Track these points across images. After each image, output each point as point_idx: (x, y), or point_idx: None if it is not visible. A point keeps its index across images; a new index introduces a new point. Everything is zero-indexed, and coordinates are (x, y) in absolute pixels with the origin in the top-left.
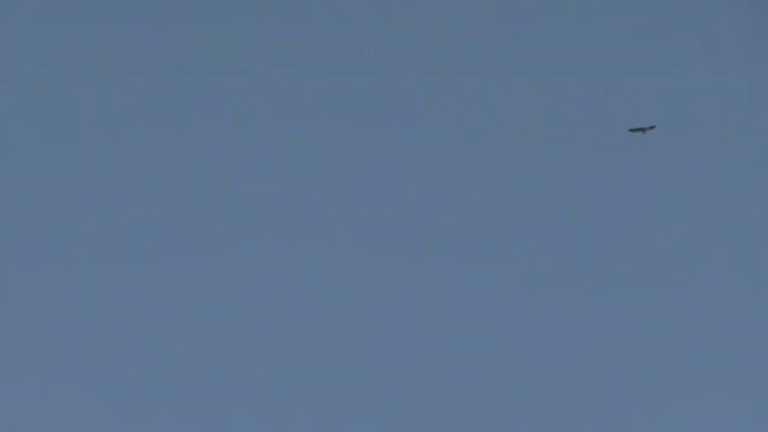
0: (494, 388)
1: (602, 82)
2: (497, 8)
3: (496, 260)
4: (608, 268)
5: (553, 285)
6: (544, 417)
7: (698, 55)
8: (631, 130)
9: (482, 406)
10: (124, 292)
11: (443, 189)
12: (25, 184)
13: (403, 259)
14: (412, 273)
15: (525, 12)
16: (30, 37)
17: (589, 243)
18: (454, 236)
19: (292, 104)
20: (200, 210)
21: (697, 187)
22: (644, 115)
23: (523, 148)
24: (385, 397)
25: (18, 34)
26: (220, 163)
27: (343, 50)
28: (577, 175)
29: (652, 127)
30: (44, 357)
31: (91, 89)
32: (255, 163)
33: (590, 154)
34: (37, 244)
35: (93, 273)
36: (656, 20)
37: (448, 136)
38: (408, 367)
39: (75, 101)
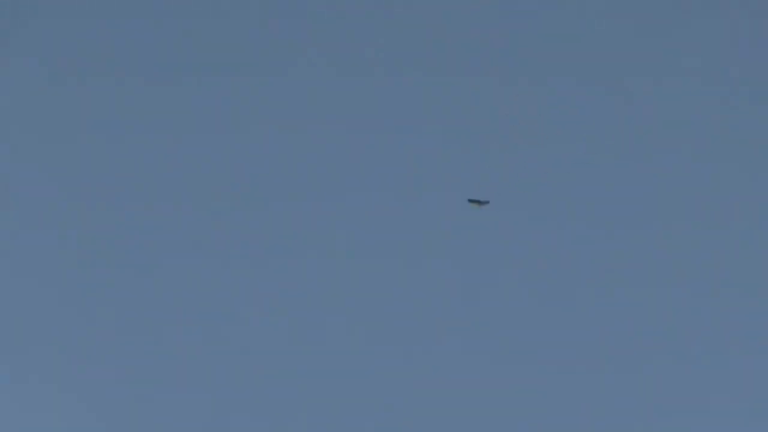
0: (494, 388)
1: (602, 82)
2: (497, 8)
3: (496, 260)
4: (608, 268)
5: (553, 285)
6: (544, 417)
7: (698, 55)
8: (470, 201)
9: (482, 405)
10: (125, 293)
11: (443, 189)
12: (26, 184)
13: (403, 259)
14: (412, 273)
15: (525, 12)
16: (30, 37)
17: (589, 243)
18: (454, 236)
19: (292, 104)
20: (200, 210)
21: (697, 187)
22: (644, 115)
23: (523, 148)
24: (385, 397)
25: (18, 34)
26: (220, 163)
27: (343, 50)
28: (577, 175)
29: (487, 202)
30: (44, 357)
31: (91, 89)
32: (255, 162)
33: (590, 154)
34: (38, 243)
35: (93, 273)
36: (656, 20)
37: (448, 136)
38: (407, 367)
39: (75, 101)
